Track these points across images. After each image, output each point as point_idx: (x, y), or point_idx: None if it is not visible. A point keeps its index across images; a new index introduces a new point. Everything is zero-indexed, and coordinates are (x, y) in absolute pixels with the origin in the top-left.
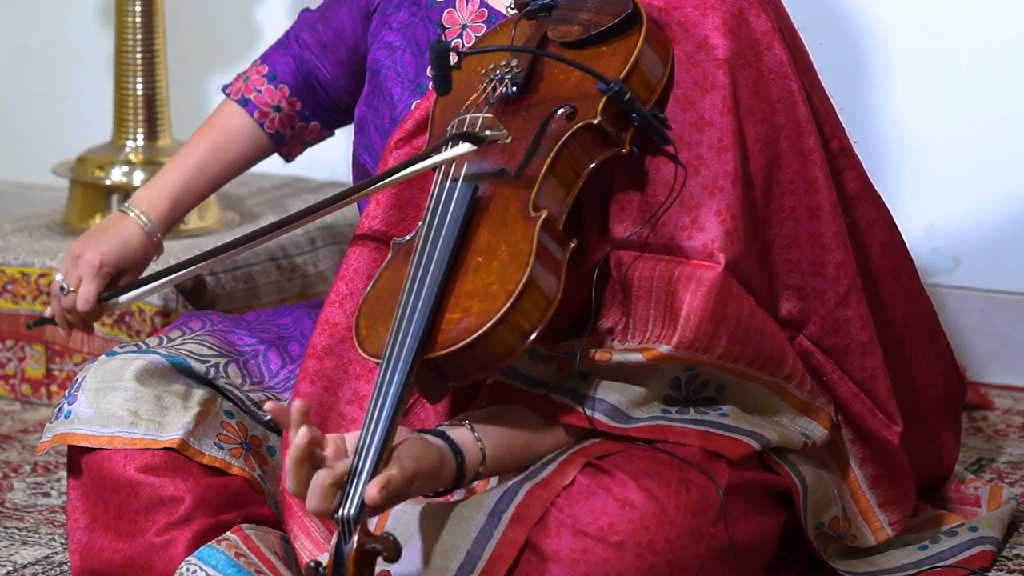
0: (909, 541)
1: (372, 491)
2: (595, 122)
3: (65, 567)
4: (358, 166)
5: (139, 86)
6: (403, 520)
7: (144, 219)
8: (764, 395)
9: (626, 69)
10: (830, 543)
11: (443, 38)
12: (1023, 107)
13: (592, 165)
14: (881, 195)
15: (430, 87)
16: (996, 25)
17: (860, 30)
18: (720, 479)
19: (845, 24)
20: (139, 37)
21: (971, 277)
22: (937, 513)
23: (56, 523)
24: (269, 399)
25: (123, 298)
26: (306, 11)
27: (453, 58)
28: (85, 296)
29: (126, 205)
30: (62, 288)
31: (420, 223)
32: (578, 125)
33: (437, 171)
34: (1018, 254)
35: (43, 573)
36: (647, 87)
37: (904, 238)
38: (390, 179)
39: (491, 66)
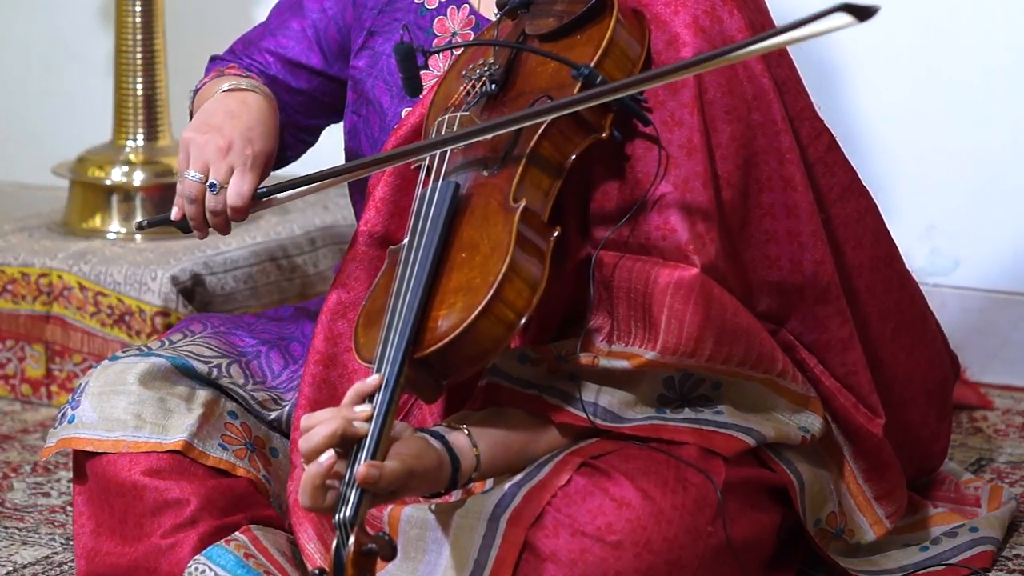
0: (909, 542)
1: (362, 469)
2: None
3: (65, 567)
4: None
5: (139, 86)
6: (412, 535)
7: (268, 92)
8: (761, 392)
9: (598, 53)
10: (830, 540)
11: (404, 39)
12: (1023, 107)
13: (575, 154)
14: (880, 194)
15: (423, 93)
16: (996, 26)
17: (859, 29)
18: (717, 478)
19: None
20: (139, 37)
21: (971, 277)
22: (937, 513)
23: (56, 523)
24: (273, 399)
25: (281, 196)
26: (237, 43)
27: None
28: (240, 190)
29: (234, 84)
30: (211, 185)
31: (408, 227)
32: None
33: (420, 173)
34: (1018, 254)
35: (43, 573)
36: (622, 69)
37: (904, 237)
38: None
39: (471, 66)
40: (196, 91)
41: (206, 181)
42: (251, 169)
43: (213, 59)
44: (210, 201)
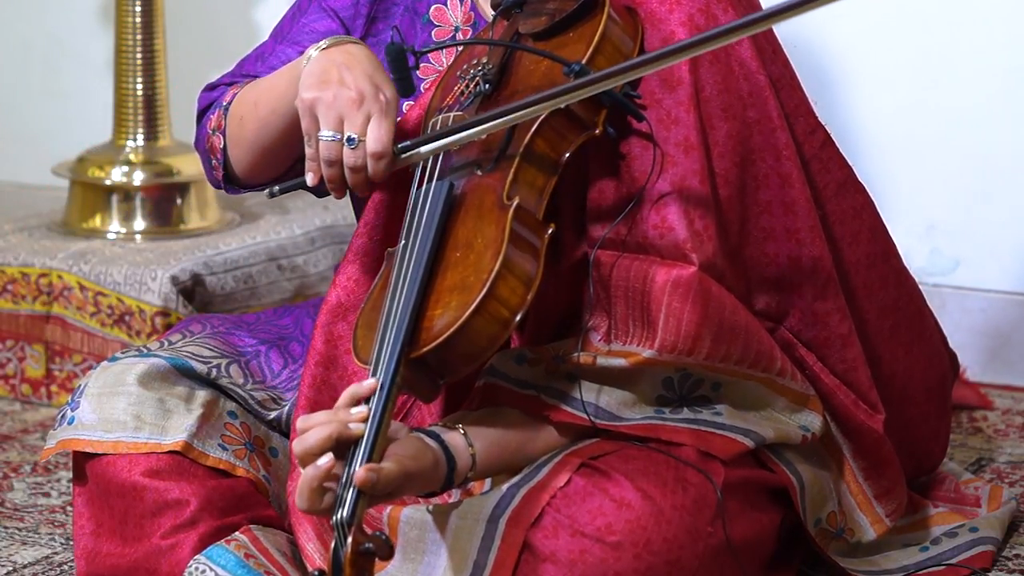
0: (909, 541)
1: (360, 473)
2: (563, 106)
3: (65, 567)
4: None
5: (139, 86)
6: (411, 536)
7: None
8: (760, 392)
9: (590, 50)
10: (831, 540)
11: (394, 39)
12: (1023, 106)
13: (569, 151)
14: (880, 194)
15: (422, 88)
16: (995, 24)
17: (859, 30)
18: (716, 478)
19: (844, 24)
20: (139, 37)
21: (971, 277)
22: (937, 513)
23: (56, 523)
24: (272, 398)
25: (424, 149)
26: (245, 61)
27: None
28: (379, 135)
29: (323, 44)
30: (349, 139)
31: (403, 227)
32: (547, 112)
33: (415, 174)
34: (1018, 254)
35: (43, 573)
36: (615, 65)
37: (904, 237)
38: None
39: (465, 67)
40: (226, 107)
41: (341, 139)
42: (387, 115)
43: (210, 87)
44: (349, 158)
